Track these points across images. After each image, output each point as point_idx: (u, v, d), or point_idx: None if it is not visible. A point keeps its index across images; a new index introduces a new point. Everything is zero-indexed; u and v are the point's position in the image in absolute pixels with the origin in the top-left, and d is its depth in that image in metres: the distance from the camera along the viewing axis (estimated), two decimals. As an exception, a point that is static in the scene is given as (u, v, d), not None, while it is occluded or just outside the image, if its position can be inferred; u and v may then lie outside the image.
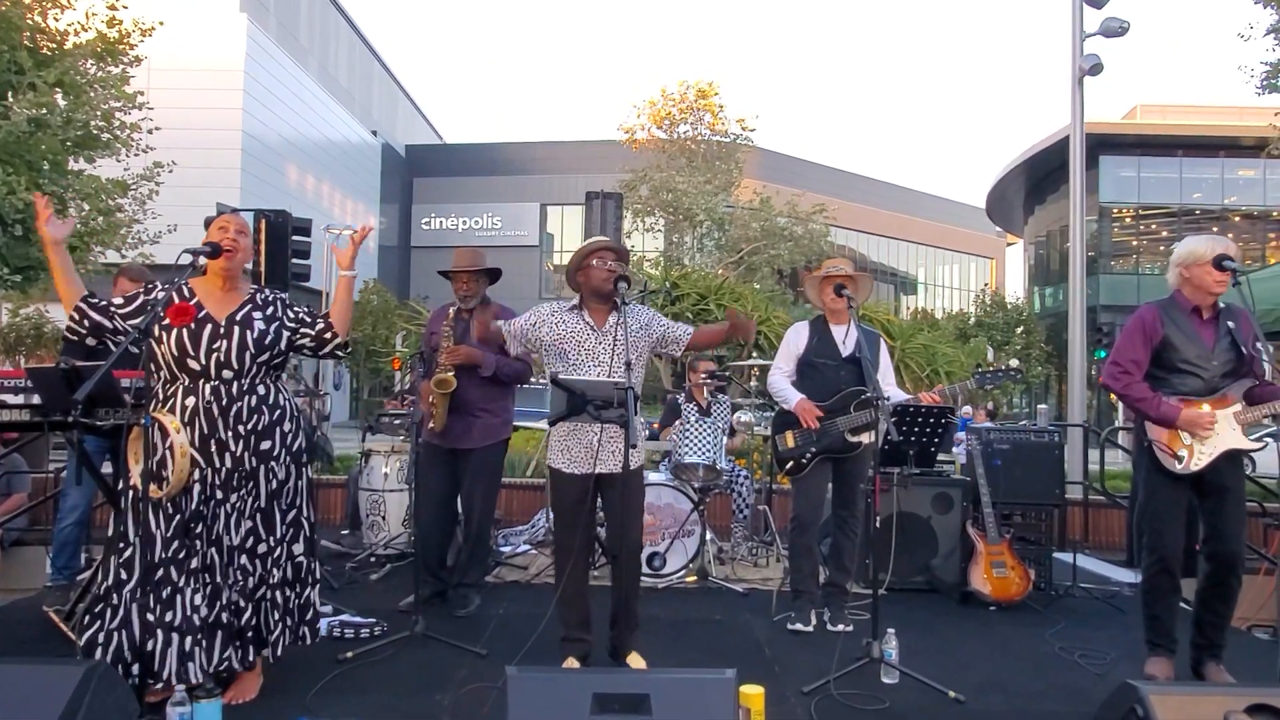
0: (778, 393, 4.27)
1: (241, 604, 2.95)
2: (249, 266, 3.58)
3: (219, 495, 2.92)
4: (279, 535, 3.05)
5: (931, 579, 4.99)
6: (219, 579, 2.91)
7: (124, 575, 2.82)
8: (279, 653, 3.06)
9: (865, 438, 4.14)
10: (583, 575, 3.54)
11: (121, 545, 2.84)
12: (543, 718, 2.14)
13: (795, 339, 4.34)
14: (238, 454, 2.94)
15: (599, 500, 3.50)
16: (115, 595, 2.81)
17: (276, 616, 3.04)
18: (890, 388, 4.13)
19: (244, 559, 2.97)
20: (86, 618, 2.84)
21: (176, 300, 2.94)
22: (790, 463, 4.24)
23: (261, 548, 3.02)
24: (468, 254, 4.46)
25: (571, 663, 3.43)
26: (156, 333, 2.88)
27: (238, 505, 2.96)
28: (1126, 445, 8.38)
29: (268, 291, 3.18)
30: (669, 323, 3.68)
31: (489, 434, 4.30)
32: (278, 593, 3.04)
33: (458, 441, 4.25)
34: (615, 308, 3.48)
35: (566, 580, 3.44)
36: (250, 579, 2.98)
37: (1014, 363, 4.36)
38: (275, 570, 3.04)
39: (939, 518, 5.01)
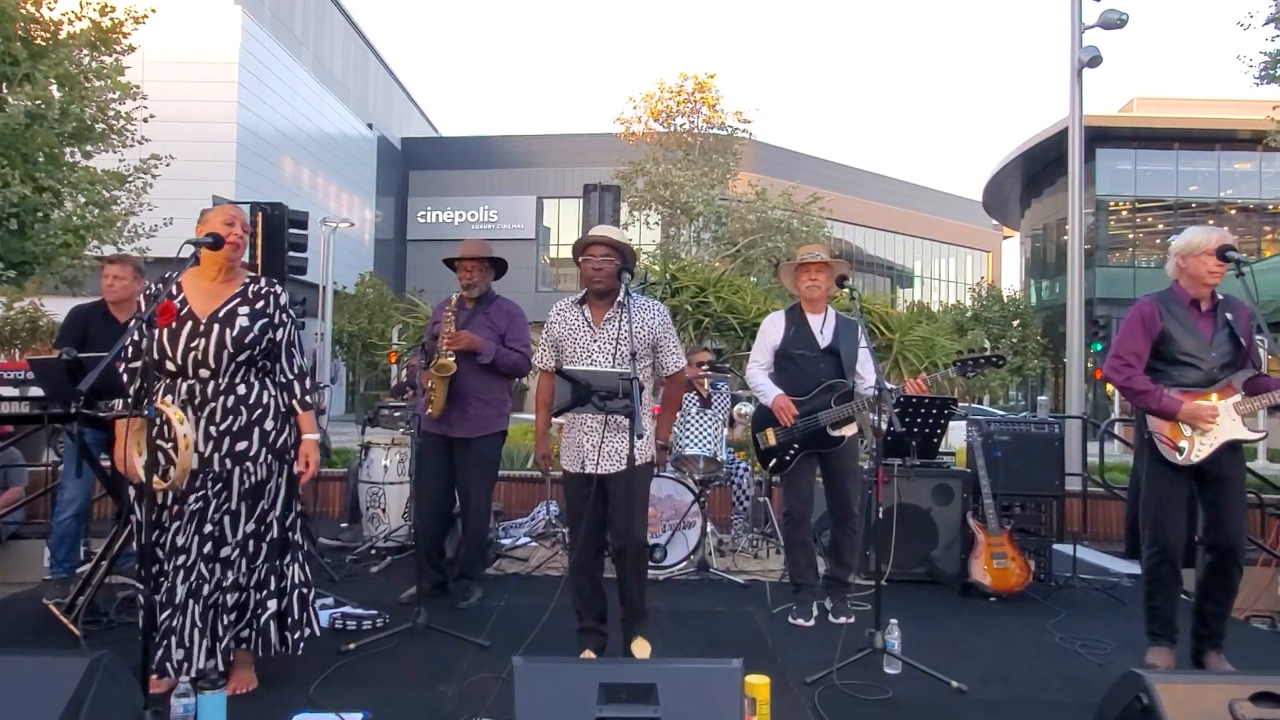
0: (756, 387, 4.23)
1: (170, 607, 2.84)
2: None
3: (175, 494, 2.87)
4: (252, 536, 2.96)
5: (932, 570, 4.99)
6: (164, 581, 2.85)
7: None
8: (221, 664, 2.92)
9: (848, 431, 4.13)
10: (597, 569, 3.52)
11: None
12: (550, 708, 2.14)
13: (771, 330, 4.26)
14: (206, 454, 2.89)
15: (607, 496, 3.48)
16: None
17: (231, 620, 2.93)
18: (871, 375, 4.08)
19: (199, 563, 2.87)
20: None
21: (166, 298, 2.91)
22: (774, 460, 4.23)
23: (225, 551, 2.92)
24: (474, 243, 4.45)
25: (588, 655, 3.42)
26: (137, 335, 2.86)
27: (193, 507, 2.88)
28: (1124, 437, 8.42)
29: (263, 282, 3.07)
30: (671, 346, 3.52)
31: (485, 424, 4.28)
32: (230, 597, 2.93)
33: (453, 429, 4.23)
34: (613, 304, 3.43)
35: (578, 575, 3.45)
36: (205, 584, 2.88)
37: (987, 345, 4.34)
38: (252, 574, 2.96)
39: (939, 509, 5.02)
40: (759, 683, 2.68)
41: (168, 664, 2.81)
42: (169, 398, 2.90)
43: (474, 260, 4.32)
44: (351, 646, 3.50)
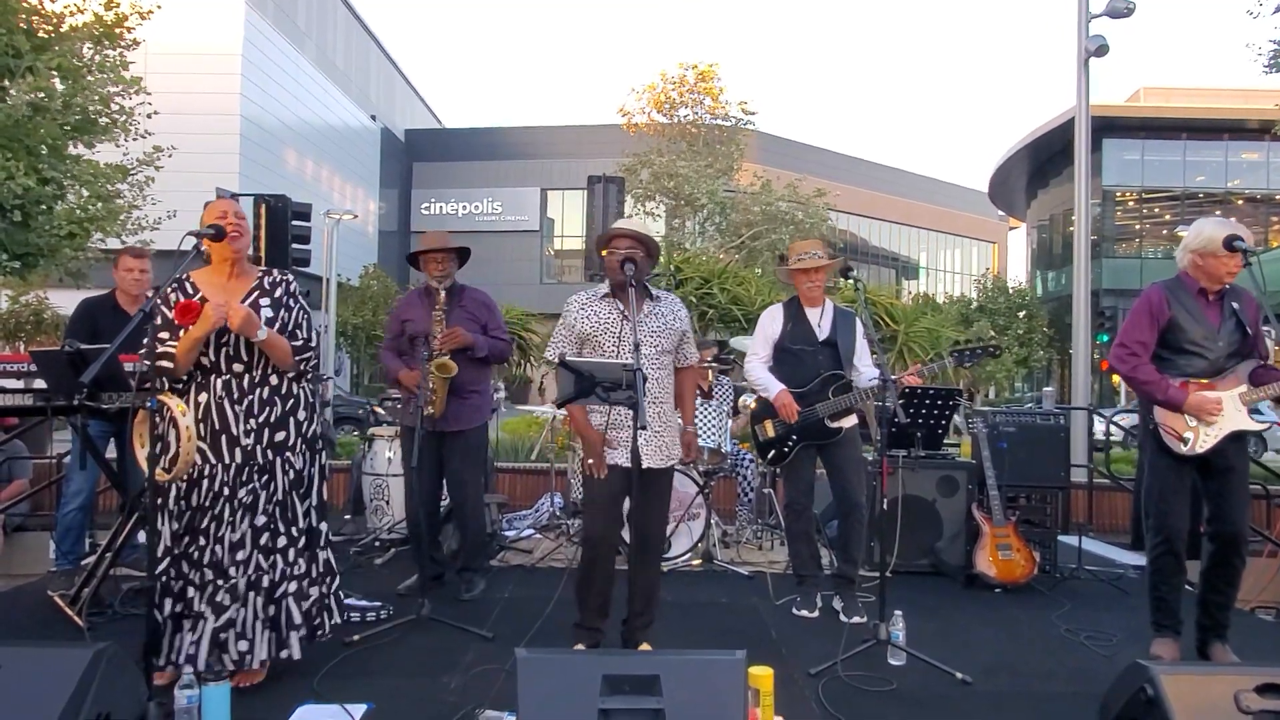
0: (757, 381, 4.22)
1: (228, 601, 2.88)
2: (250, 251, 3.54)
3: (225, 491, 2.90)
4: (301, 527, 3.02)
5: (936, 562, 4.98)
6: (216, 578, 2.88)
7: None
8: (296, 654, 2.99)
9: (846, 422, 4.12)
10: (610, 566, 3.41)
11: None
12: (553, 699, 2.13)
13: (769, 324, 4.27)
14: (249, 448, 2.92)
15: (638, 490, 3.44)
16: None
17: (299, 612, 2.99)
18: (868, 367, 4.11)
19: (255, 555, 2.92)
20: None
21: (181, 299, 2.90)
22: (772, 451, 4.22)
23: (281, 541, 2.97)
24: (436, 235, 4.46)
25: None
26: (167, 335, 2.85)
27: (245, 500, 2.92)
28: (1127, 427, 8.37)
29: (275, 273, 3.12)
30: (692, 339, 3.56)
31: (477, 415, 4.33)
32: (297, 585, 2.99)
33: (447, 423, 4.23)
34: (647, 296, 3.42)
35: (593, 569, 3.35)
36: (265, 576, 2.93)
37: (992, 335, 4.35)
38: (299, 563, 3.00)
39: (944, 500, 5.00)
40: (763, 674, 2.67)
41: (225, 656, 2.85)
42: (202, 395, 2.92)
43: (440, 251, 4.29)
44: (355, 638, 3.50)
